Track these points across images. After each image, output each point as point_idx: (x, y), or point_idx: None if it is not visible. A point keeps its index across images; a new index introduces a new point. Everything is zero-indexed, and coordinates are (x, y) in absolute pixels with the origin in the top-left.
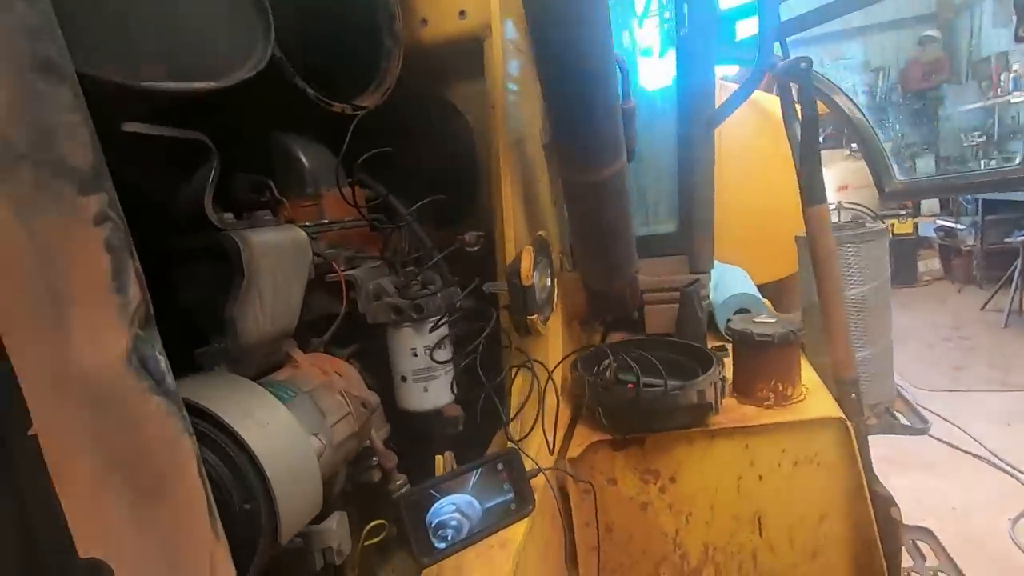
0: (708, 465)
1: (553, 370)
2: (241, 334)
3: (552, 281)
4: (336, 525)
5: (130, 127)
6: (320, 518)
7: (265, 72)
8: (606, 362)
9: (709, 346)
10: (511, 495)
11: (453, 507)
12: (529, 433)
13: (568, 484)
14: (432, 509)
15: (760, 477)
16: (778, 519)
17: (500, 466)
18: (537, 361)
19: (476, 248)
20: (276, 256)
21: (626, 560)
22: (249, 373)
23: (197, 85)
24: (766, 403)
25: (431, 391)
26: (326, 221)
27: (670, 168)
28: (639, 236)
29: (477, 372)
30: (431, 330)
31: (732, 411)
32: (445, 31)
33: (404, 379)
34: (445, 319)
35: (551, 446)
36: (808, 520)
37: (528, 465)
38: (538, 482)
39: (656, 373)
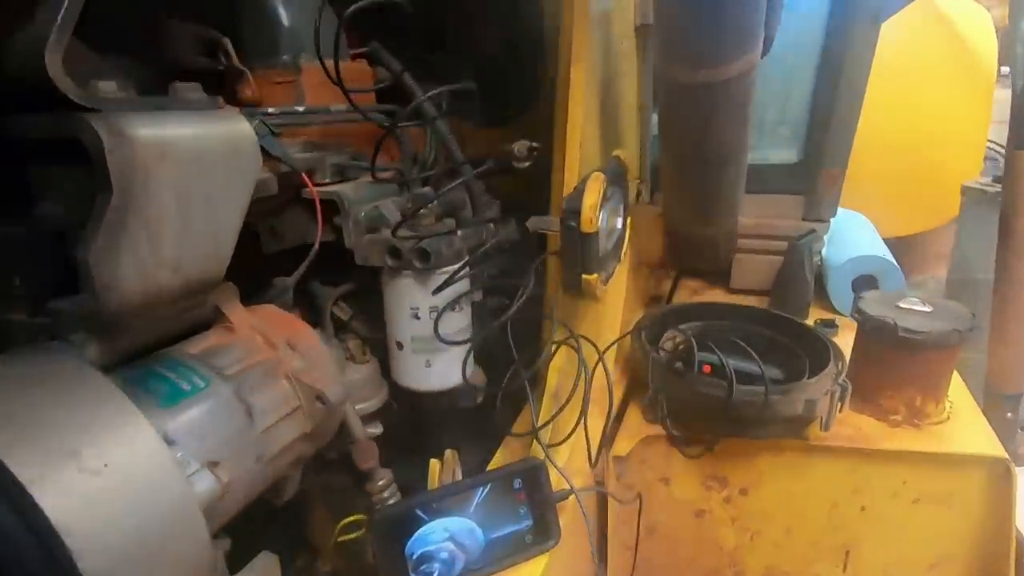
0: (795, 484)
1: (606, 351)
2: (110, 287)
3: (624, 222)
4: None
5: None
6: (244, 557)
7: None
8: (673, 334)
9: (812, 319)
10: (528, 523)
11: (445, 534)
12: (568, 437)
13: (608, 483)
14: (416, 535)
15: (863, 508)
16: (873, 556)
17: (518, 483)
18: (585, 338)
19: (527, 164)
20: (190, 162)
21: (666, 562)
22: (132, 345)
23: None
24: (893, 417)
25: (436, 367)
26: (300, 109)
27: (804, 75)
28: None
29: (508, 343)
30: (440, 287)
31: (842, 422)
32: None
33: (400, 346)
34: (463, 272)
35: (592, 456)
36: (915, 564)
37: (558, 481)
38: (568, 502)
39: (748, 359)
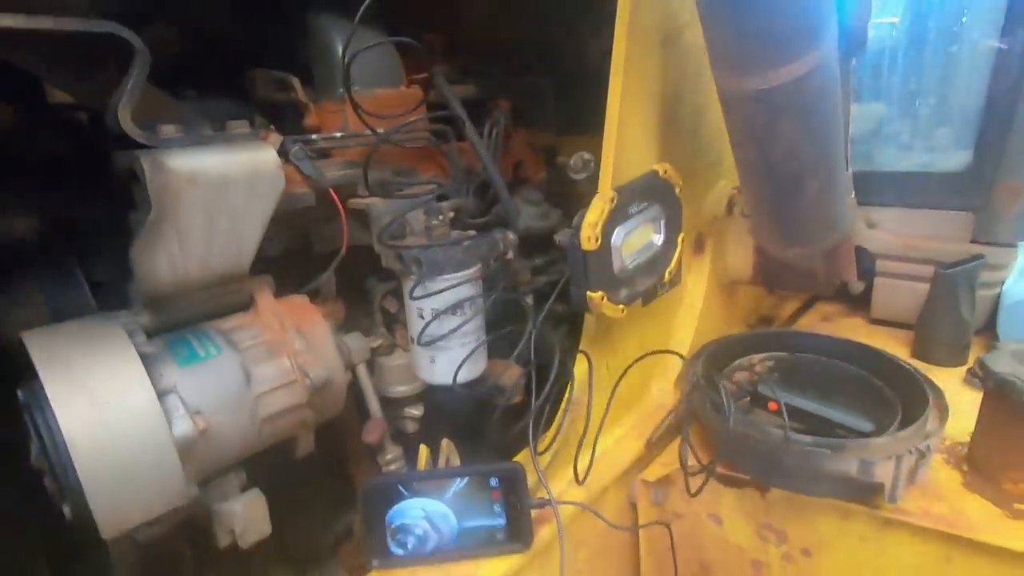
0: (869, 558)
1: (626, 369)
2: (147, 277)
3: (669, 240)
4: (242, 508)
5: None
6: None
7: None
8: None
9: (972, 362)
10: (501, 521)
11: (422, 513)
12: (548, 447)
13: (640, 507)
14: (396, 507)
15: None
16: None
17: (494, 482)
18: (584, 353)
19: (583, 176)
20: (216, 185)
21: None
22: (178, 316)
23: None
24: (1017, 507)
25: (439, 364)
26: (338, 135)
27: (975, 61)
28: (894, 172)
29: (529, 351)
30: (412, 291)
31: (947, 497)
32: None
33: (413, 340)
34: (455, 282)
35: (579, 474)
36: None
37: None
38: (569, 513)
39: (822, 399)
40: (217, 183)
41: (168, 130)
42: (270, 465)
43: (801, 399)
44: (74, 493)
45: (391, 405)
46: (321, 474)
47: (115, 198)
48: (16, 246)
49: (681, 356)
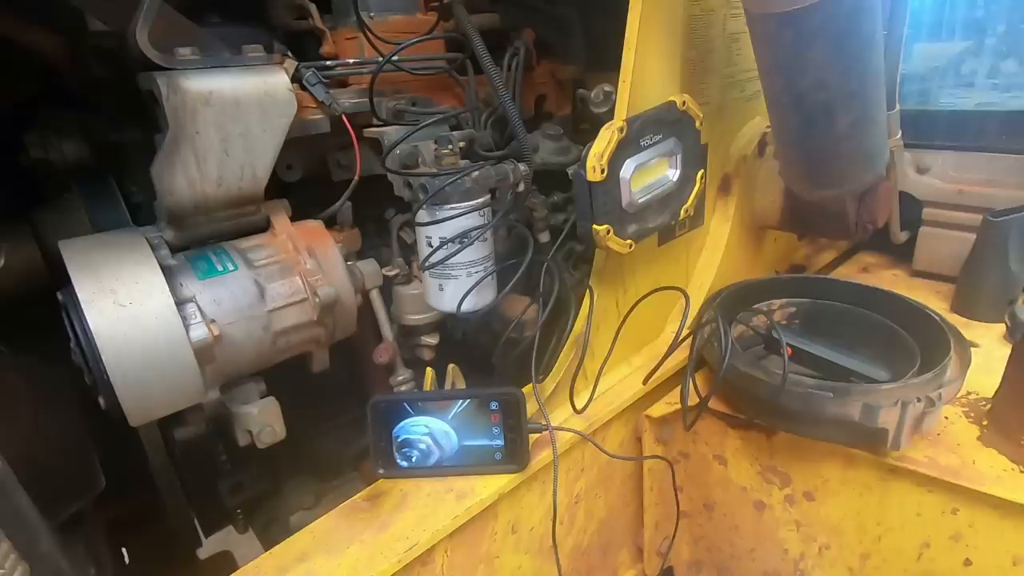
0: (871, 504)
1: (637, 303)
2: (166, 195)
3: (686, 176)
4: (257, 411)
5: None
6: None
7: None
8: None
9: None
10: (499, 443)
11: (425, 430)
12: (544, 376)
13: (644, 442)
14: (401, 423)
15: (967, 562)
16: None
17: (495, 405)
18: (590, 288)
19: (604, 109)
20: (230, 107)
21: (725, 547)
22: (200, 234)
23: None
24: None
25: (447, 292)
26: (351, 61)
27: None
28: (950, 111)
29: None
30: (413, 217)
31: (959, 450)
32: None
33: (423, 267)
34: (461, 211)
35: (575, 404)
36: None
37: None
38: (568, 439)
39: (839, 347)
40: (230, 104)
41: (184, 52)
42: (300, 387)
43: (816, 346)
44: (104, 383)
45: (408, 333)
46: (344, 396)
47: (147, 121)
48: (66, 169)
49: (684, 292)
